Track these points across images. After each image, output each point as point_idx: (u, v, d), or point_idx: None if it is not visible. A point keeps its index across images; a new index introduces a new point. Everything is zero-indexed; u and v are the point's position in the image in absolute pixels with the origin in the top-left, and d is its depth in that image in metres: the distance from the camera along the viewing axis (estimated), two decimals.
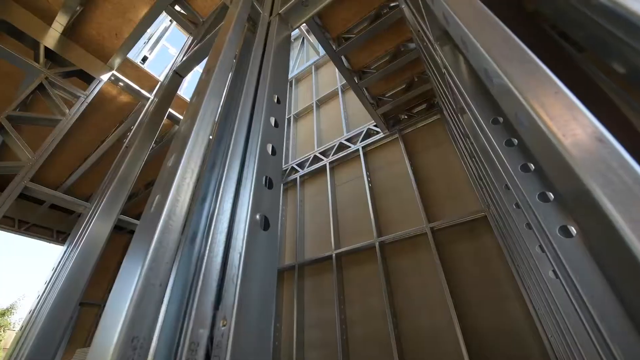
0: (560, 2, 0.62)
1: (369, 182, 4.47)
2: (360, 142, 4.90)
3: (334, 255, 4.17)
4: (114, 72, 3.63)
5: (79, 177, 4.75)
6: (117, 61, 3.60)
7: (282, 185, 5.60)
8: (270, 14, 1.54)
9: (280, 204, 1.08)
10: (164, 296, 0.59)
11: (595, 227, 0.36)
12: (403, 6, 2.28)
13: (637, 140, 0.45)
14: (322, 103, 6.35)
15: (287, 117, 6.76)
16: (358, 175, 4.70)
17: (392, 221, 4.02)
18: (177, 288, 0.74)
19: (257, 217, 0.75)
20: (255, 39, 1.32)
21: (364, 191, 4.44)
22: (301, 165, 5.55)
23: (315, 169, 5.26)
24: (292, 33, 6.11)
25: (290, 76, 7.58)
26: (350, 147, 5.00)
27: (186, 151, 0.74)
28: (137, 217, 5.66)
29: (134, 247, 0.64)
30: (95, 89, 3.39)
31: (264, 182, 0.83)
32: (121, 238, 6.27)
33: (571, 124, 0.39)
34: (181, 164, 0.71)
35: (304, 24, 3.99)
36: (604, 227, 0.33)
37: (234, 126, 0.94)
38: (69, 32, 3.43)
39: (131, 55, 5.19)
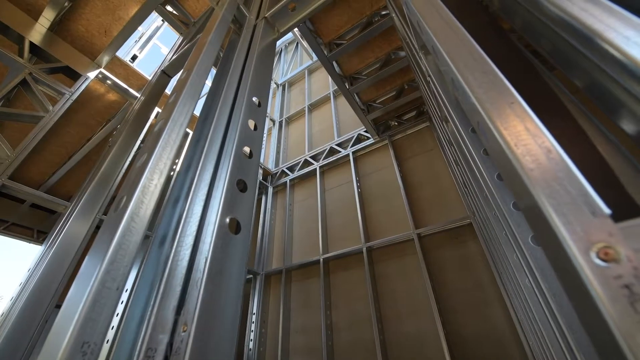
0: (527, 16, 0.64)
1: (358, 187, 4.48)
2: (351, 147, 4.92)
3: (321, 260, 4.15)
4: (102, 69, 3.57)
5: (63, 176, 4.63)
6: (105, 59, 3.55)
7: (271, 188, 5.58)
8: (257, 17, 1.55)
9: (254, 208, 1.08)
10: (120, 300, 0.57)
11: (544, 237, 0.36)
12: (393, 15, 2.31)
13: (590, 151, 0.45)
14: (314, 107, 6.37)
15: (279, 120, 6.76)
16: (348, 180, 4.71)
17: (380, 227, 4.03)
18: (141, 292, 0.72)
19: (227, 220, 0.74)
20: (240, 40, 1.32)
21: (353, 196, 4.45)
22: (291, 168, 5.54)
23: (306, 172, 5.26)
24: (287, 37, 6.14)
25: (283, 80, 7.59)
26: (340, 151, 5.02)
27: (155, 152, 0.72)
28: None
29: (94, 249, 0.62)
30: (81, 86, 3.33)
31: (237, 185, 0.82)
32: None
33: (523, 135, 0.39)
34: (149, 165, 0.69)
35: (297, 29, 3.99)
36: (551, 237, 0.33)
37: (210, 127, 0.93)
38: (56, 28, 3.37)
39: (122, 53, 5.13)
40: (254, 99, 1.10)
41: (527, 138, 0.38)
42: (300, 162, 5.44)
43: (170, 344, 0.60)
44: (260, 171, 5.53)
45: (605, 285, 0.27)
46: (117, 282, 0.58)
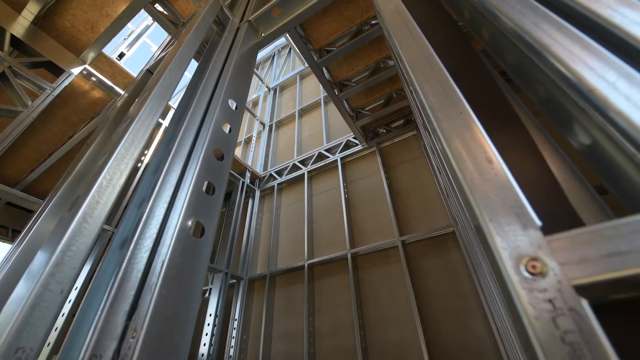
0: (492, 30, 0.65)
1: (345, 193, 4.49)
2: (339, 153, 4.94)
3: (306, 265, 4.12)
4: (87, 66, 3.50)
5: (42, 174, 4.50)
6: (90, 55, 3.48)
7: (258, 192, 5.53)
8: (241, 20, 1.54)
9: (219, 211, 1.05)
10: (64, 304, 0.54)
11: (483, 247, 0.36)
12: (382, 24, 2.35)
13: (539, 163, 0.46)
14: (304, 112, 6.39)
15: (269, 124, 6.74)
16: (335, 185, 4.71)
17: (366, 233, 4.03)
18: (95, 295, 0.69)
19: (189, 223, 0.72)
20: (220, 42, 1.31)
21: (340, 202, 4.45)
22: (280, 172, 5.51)
23: (294, 177, 5.24)
24: (280, 41, 6.16)
25: (275, 84, 7.60)
26: (329, 157, 5.03)
27: (117, 152, 0.70)
28: None
29: (43, 250, 0.59)
30: (63, 82, 3.25)
31: (204, 188, 0.81)
32: None
33: (467, 143, 0.39)
34: (108, 165, 0.67)
35: (288, 35, 4.00)
36: (487, 247, 0.33)
37: (182, 128, 0.91)
38: (40, 22, 3.30)
39: (109, 50, 5.04)
40: (230, 101, 1.09)
41: (471, 147, 0.39)
42: (288, 166, 5.43)
43: (118, 351, 0.58)
44: (248, 175, 5.49)
45: (530, 299, 0.27)
46: (63, 285, 0.55)
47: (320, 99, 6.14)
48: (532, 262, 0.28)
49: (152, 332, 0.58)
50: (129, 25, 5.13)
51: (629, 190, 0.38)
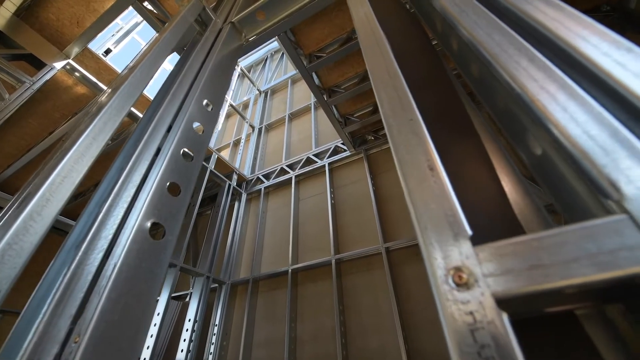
0: (460, 43, 0.66)
1: (332, 198, 4.48)
2: (327, 158, 4.95)
3: (290, 270, 4.08)
4: (70, 61, 3.42)
5: (19, 170, 4.34)
6: (75, 50, 3.40)
7: (245, 195, 5.48)
8: (225, 22, 1.53)
9: (184, 213, 1.02)
10: None
11: (424, 256, 0.36)
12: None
13: (489, 173, 0.47)
14: (294, 117, 6.39)
15: (258, 127, 6.72)
16: (322, 191, 4.71)
17: (351, 239, 4.03)
18: (43, 297, 0.66)
19: (149, 224, 0.70)
20: (201, 41, 1.30)
21: (326, 207, 4.44)
22: (267, 176, 5.48)
23: (281, 181, 5.21)
24: (273, 45, 6.14)
25: (266, 87, 7.60)
26: (317, 162, 5.03)
27: (74, 148, 0.68)
28: None
29: None
30: (44, 76, 3.17)
31: (168, 188, 0.78)
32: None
33: (415, 151, 0.39)
34: (63, 162, 0.65)
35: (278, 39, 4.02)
36: (425, 256, 0.33)
37: (151, 126, 0.89)
38: (23, 14, 3.21)
39: (96, 46, 4.95)
40: (205, 101, 1.08)
41: (415, 154, 0.39)
42: (276, 170, 5.40)
43: (59, 356, 0.55)
44: (235, 177, 5.44)
45: (453, 311, 0.26)
46: (1, 285, 0.52)
47: (310, 104, 6.16)
48: (458, 273, 0.28)
49: (96, 337, 0.55)
50: (119, 21, 5.05)
51: (569, 201, 0.38)
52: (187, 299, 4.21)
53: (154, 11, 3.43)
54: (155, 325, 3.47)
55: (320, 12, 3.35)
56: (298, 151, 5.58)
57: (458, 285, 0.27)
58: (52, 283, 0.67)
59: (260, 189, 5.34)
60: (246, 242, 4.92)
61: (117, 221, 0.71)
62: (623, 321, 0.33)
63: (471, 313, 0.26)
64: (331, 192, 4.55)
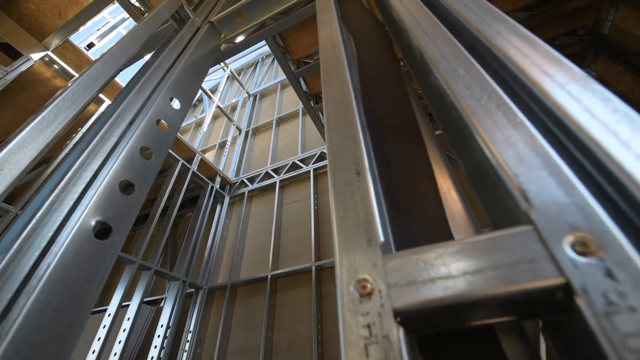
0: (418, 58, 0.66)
1: (315, 204, 4.46)
2: (313, 164, 4.94)
3: (269, 276, 4.01)
4: (49, 52, 3.31)
5: None
6: (54, 42, 3.31)
7: (228, 198, 5.39)
8: (204, 21, 1.52)
9: (137, 213, 0.97)
10: None
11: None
12: None
13: (428, 181, 0.47)
14: (282, 121, 6.39)
15: (245, 130, 6.67)
16: (306, 196, 4.68)
17: (332, 246, 4.00)
18: None
19: (93, 222, 0.66)
20: (176, 38, 1.28)
21: (309, 213, 4.42)
22: (252, 179, 5.42)
23: (265, 185, 5.16)
24: (265, 50, 6.12)
25: (255, 90, 7.58)
26: (302, 167, 5.01)
27: (15, 141, 0.64)
28: None
29: None
30: (20, 67, 3.05)
31: (120, 186, 0.75)
32: None
33: (345, 154, 0.39)
34: (2, 154, 0.61)
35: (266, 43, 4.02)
36: (337, 260, 0.32)
37: (108, 121, 0.86)
38: (1, 2, 3.11)
39: (79, 40, 4.82)
40: (174, 100, 1.05)
41: (346, 157, 0.38)
42: (261, 173, 5.35)
43: None
44: (219, 179, 5.35)
45: (351, 323, 0.25)
46: None
47: (299, 109, 6.17)
48: (363, 282, 0.27)
49: (19, 341, 0.51)
50: (106, 15, 4.96)
51: (494, 213, 0.38)
52: (161, 304, 4.07)
53: (142, 8, 3.38)
54: (124, 330, 3.33)
55: (308, 19, 3.38)
56: (284, 156, 5.55)
57: (361, 295, 0.26)
58: None
59: (244, 193, 5.28)
60: (226, 246, 4.82)
61: (61, 218, 0.67)
62: (539, 337, 0.33)
63: (368, 326, 0.25)
64: (315, 198, 4.53)
